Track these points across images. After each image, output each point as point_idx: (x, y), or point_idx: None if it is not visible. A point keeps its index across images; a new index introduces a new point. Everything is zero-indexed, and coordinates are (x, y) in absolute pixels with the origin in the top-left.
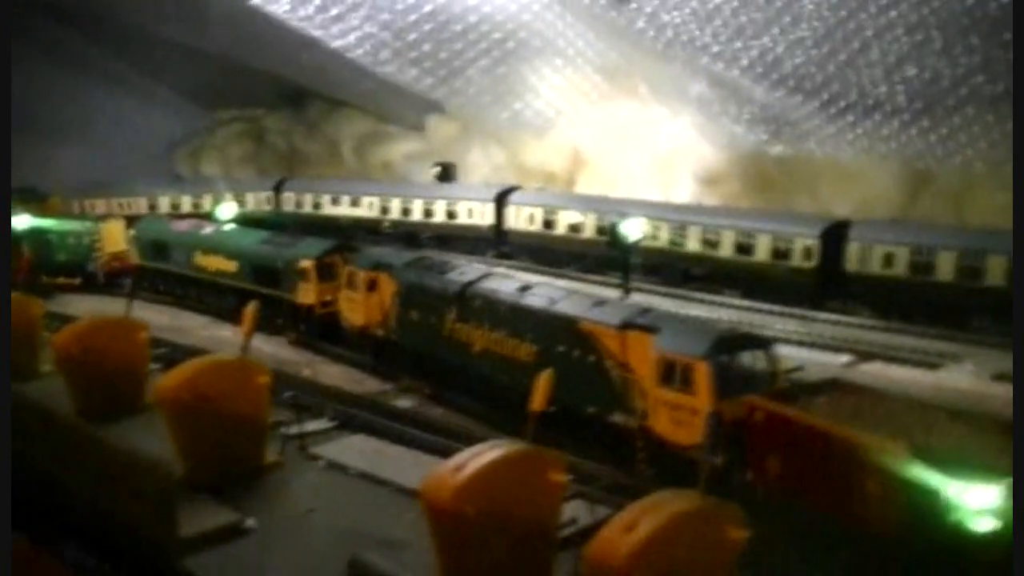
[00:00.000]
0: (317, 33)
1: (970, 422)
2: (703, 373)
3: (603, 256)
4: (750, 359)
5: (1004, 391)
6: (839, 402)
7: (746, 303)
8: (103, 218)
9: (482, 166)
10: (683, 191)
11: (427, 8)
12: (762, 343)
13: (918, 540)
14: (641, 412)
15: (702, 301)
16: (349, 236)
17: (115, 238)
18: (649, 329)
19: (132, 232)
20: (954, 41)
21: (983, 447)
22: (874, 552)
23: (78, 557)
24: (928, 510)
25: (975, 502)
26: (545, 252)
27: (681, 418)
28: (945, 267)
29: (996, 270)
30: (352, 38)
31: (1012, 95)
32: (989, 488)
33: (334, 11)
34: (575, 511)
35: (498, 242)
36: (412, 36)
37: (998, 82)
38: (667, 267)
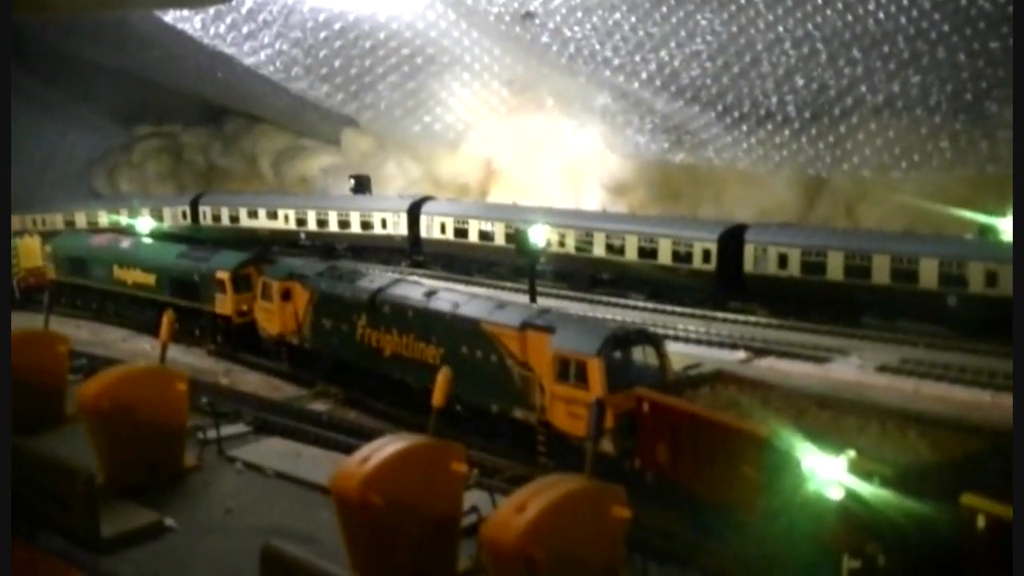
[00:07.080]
0: (230, 51)
1: (837, 408)
2: (595, 369)
3: (514, 263)
4: (641, 354)
5: (885, 381)
6: (721, 392)
7: (651, 305)
8: (19, 234)
9: (397, 179)
10: (592, 199)
11: (337, 26)
12: (652, 339)
13: (782, 511)
14: (540, 407)
15: (609, 304)
16: (267, 248)
17: (31, 254)
18: (546, 329)
19: (48, 248)
20: (838, 54)
21: (842, 428)
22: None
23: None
24: (788, 482)
25: (825, 473)
26: (458, 260)
27: (577, 412)
28: (835, 267)
29: (882, 269)
30: (263, 55)
31: (1012, 96)
32: (837, 461)
33: (245, 29)
34: (477, 500)
35: (412, 251)
36: (322, 53)
37: (879, 92)
38: (576, 272)
